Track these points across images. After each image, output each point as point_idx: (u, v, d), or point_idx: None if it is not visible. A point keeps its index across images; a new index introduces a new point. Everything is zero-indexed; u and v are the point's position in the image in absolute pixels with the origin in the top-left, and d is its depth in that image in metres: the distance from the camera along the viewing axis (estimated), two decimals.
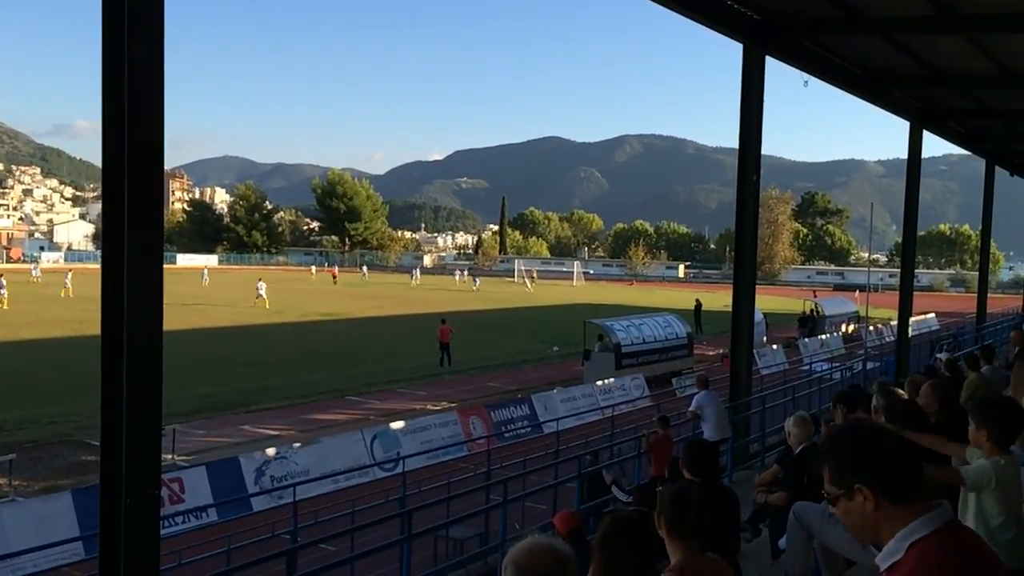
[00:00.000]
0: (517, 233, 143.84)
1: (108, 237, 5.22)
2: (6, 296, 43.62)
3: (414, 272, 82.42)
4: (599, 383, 23.95)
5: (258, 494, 14.13)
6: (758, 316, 26.80)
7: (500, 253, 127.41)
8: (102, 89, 5.14)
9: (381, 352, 33.26)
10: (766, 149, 14.79)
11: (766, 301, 43.15)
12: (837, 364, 25.22)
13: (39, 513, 12.40)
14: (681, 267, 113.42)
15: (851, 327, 40.93)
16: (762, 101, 13.82)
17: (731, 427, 12.80)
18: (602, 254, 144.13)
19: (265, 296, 48.98)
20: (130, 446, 5.09)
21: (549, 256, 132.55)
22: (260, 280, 51.60)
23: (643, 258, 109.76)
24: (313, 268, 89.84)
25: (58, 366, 26.81)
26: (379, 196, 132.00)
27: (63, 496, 12.82)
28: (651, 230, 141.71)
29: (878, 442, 2.14)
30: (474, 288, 71.92)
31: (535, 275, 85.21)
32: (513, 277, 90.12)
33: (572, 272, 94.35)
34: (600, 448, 14.22)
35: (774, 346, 32.75)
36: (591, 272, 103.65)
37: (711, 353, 33.36)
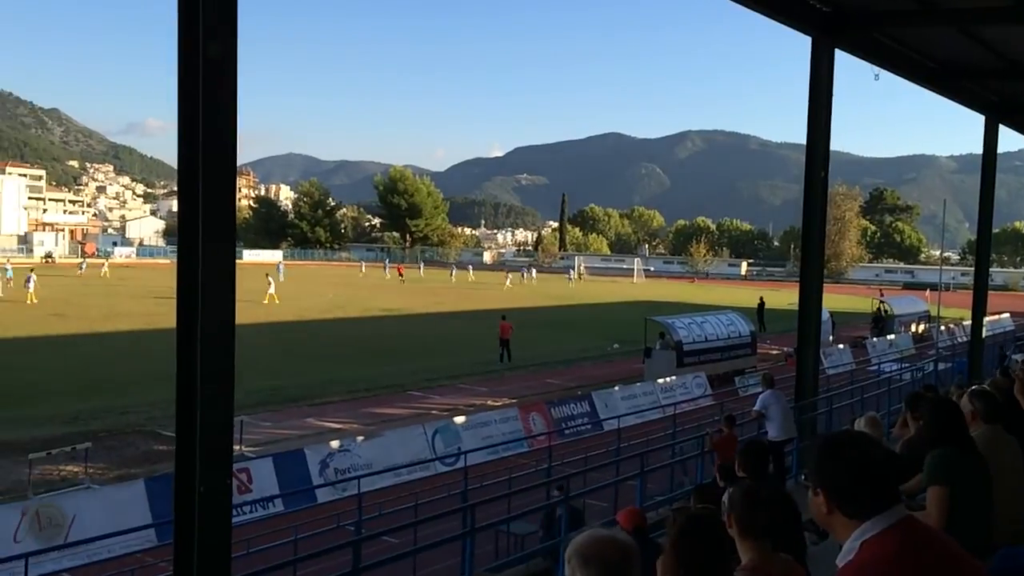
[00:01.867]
0: (577, 230, 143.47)
1: (184, 232, 5.35)
2: (32, 291, 43.85)
3: (453, 269, 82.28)
4: (660, 381, 23.76)
5: (322, 485, 14.37)
6: (824, 315, 26.25)
7: (560, 250, 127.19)
8: (178, 88, 5.27)
9: (441, 348, 33.53)
10: (833, 144, 14.46)
11: (832, 300, 42.23)
12: (907, 365, 24.58)
13: (113, 500, 12.82)
14: (744, 264, 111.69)
15: (921, 327, 39.83)
16: (831, 95, 13.53)
17: (797, 427, 12.57)
18: (663, 251, 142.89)
19: (275, 293, 47.50)
20: (204, 436, 5.22)
21: (609, 253, 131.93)
22: (268, 275, 50.75)
23: (705, 255, 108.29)
24: (363, 265, 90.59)
25: (131, 358, 27.66)
26: (439, 193, 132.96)
27: (136, 484, 13.22)
28: (713, 227, 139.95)
29: (846, 459, 2.23)
30: (525, 281, 71.70)
31: (583, 271, 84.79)
32: (571, 274, 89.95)
33: (632, 269, 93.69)
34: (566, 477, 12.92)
35: (841, 346, 32.08)
36: (651, 269, 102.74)
37: (775, 352, 32.83)
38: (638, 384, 23.86)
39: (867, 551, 2.14)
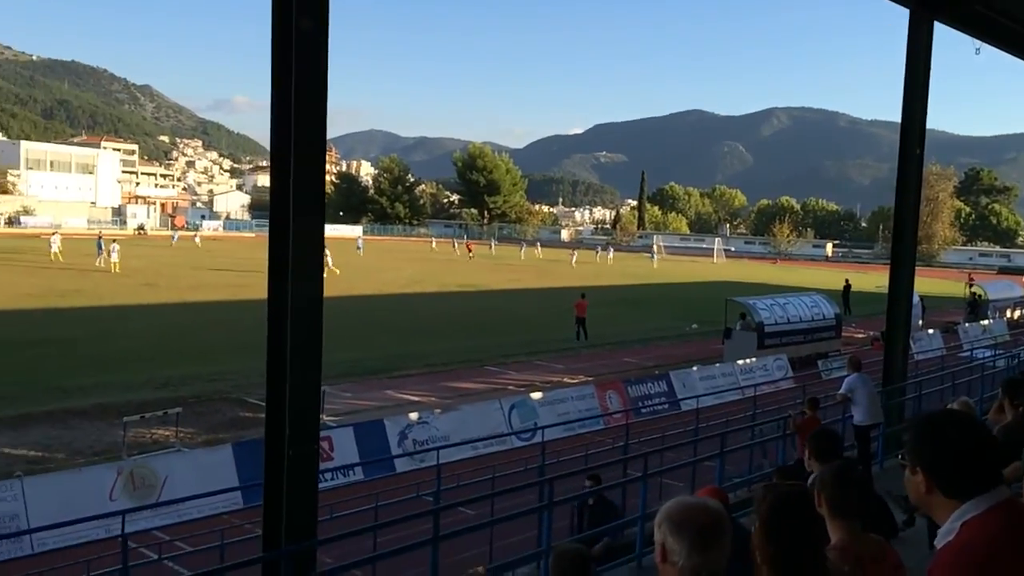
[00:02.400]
0: (656, 208, 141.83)
1: (275, 205, 5.47)
2: (117, 261, 45.57)
3: (523, 246, 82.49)
4: (740, 362, 23.39)
5: (401, 455, 14.64)
6: (915, 298, 25.42)
7: (638, 228, 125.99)
8: (271, 61, 5.37)
9: (518, 324, 33.67)
10: (928, 122, 13.91)
11: (923, 283, 40.78)
12: (1001, 351, 23.64)
13: (202, 463, 13.28)
14: (829, 246, 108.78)
15: (1017, 313, 38.23)
16: (928, 70, 13.01)
17: (883, 412, 12.23)
18: (744, 231, 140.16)
19: (334, 267, 46.82)
20: (293, 403, 5.36)
21: (688, 232, 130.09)
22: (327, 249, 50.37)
23: (788, 236, 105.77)
24: (433, 240, 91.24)
25: (218, 327, 28.60)
26: (518, 170, 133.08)
27: (224, 449, 13.68)
28: (797, 207, 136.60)
29: (949, 439, 2.16)
30: (599, 259, 71.22)
31: (659, 250, 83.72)
32: (651, 253, 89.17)
33: (712, 249, 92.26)
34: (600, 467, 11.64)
35: (931, 330, 31.03)
36: (732, 249, 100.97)
37: (860, 335, 31.97)
38: (717, 365, 23.53)
39: (968, 532, 2.08)
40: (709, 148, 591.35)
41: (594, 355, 27.30)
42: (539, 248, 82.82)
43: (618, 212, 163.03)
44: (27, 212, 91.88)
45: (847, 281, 42.37)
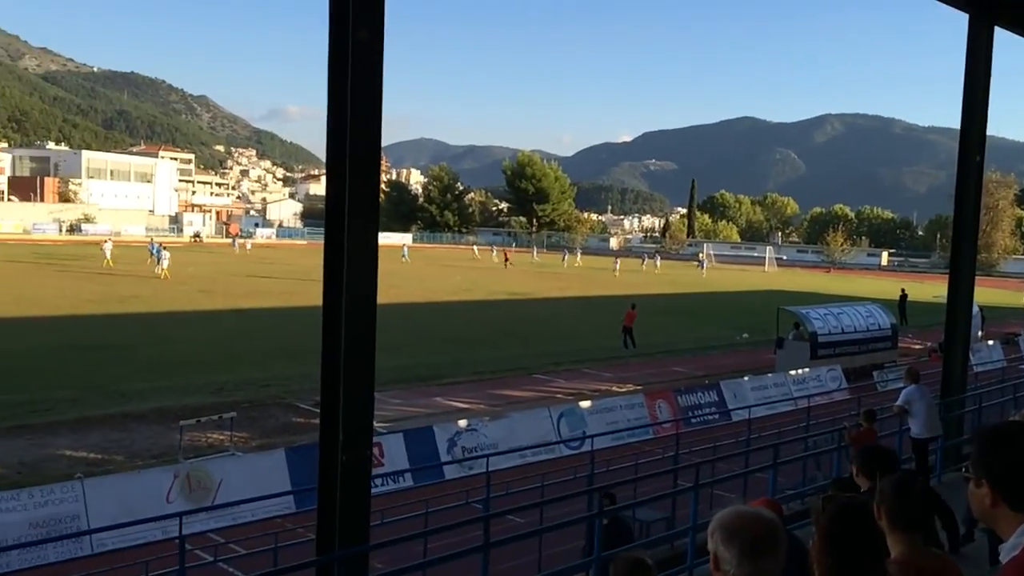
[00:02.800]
0: (706, 216, 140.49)
1: (331, 213, 5.55)
2: (166, 268, 46.41)
3: (565, 254, 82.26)
4: (792, 373, 23.06)
5: (450, 462, 14.70)
6: (974, 309, 24.79)
7: (688, 237, 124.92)
8: (328, 71, 5.46)
9: (566, 332, 33.62)
10: (987, 128, 13.58)
11: (982, 293, 39.70)
12: None
13: (256, 467, 13.48)
14: (884, 255, 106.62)
15: None
16: (989, 75, 12.69)
17: (942, 425, 11.95)
18: (796, 239, 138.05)
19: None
20: (347, 408, 5.43)
21: (739, 241, 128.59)
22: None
23: (842, 244, 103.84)
24: (475, 248, 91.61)
25: (272, 333, 29.06)
26: (567, 177, 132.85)
27: (277, 453, 13.87)
28: (851, 215, 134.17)
29: (1015, 451, 2.12)
30: (645, 268, 70.56)
31: (705, 258, 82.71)
32: (700, 261, 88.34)
33: (763, 258, 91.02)
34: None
35: (991, 342, 30.23)
36: (784, 258, 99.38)
37: (917, 346, 31.29)
38: (769, 375, 23.23)
39: None
40: (760, 155, 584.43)
41: (643, 364, 27.13)
42: (579, 256, 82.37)
43: (667, 220, 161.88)
44: (88, 220, 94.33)
45: (903, 291, 41.51)
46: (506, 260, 72.55)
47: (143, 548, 9.92)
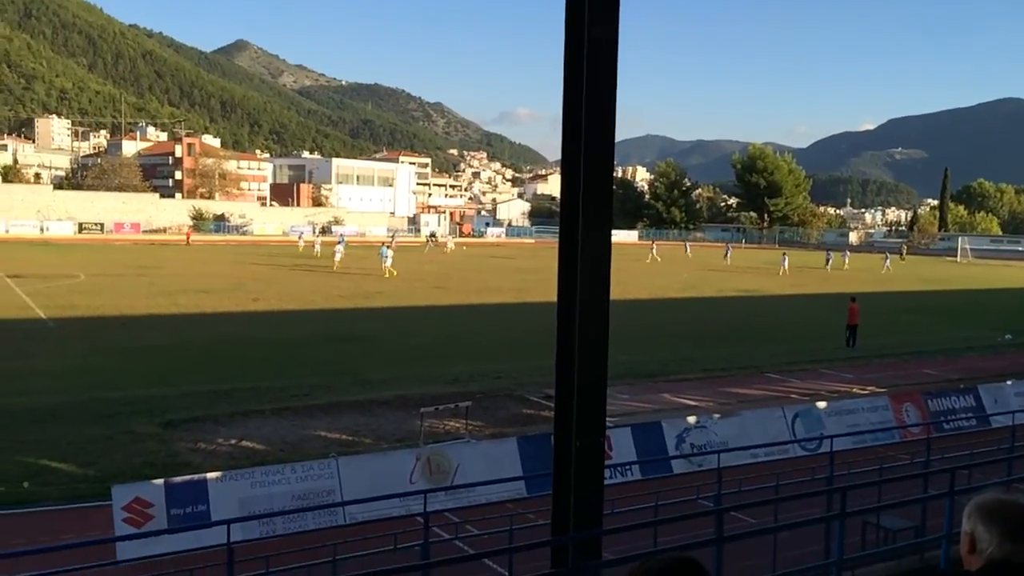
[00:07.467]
0: (961, 208, 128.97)
1: (565, 211, 5.70)
2: (338, 260, 50.26)
3: (728, 250, 75.83)
4: None
5: (678, 457, 14.59)
6: None
7: (939, 230, 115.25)
8: (564, 69, 5.61)
9: (800, 330, 32.19)
10: None
11: None
12: None
13: (490, 454, 14.09)
14: None
15: None
16: None
17: None
18: None
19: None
20: (580, 396, 5.57)
21: (1001, 234, 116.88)
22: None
23: None
24: (687, 245, 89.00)
25: (503, 328, 30.14)
26: (801, 170, 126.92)
27: (509, 441, 14.42)
28: None
29: None
30: (886, 269, 64.15)
31: (967, 251, 75.18)
32: (955, 256, 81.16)
33: None
34: None
35: None
36: None
37: None
38: None
39: None
40: None
41: (887, 365, 25.43)
42: (785, 263, 62.04)
43: (915, 212, 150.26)
44: (337, 222, 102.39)
45: None
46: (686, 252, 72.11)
47: (388, 522, 10.70)
